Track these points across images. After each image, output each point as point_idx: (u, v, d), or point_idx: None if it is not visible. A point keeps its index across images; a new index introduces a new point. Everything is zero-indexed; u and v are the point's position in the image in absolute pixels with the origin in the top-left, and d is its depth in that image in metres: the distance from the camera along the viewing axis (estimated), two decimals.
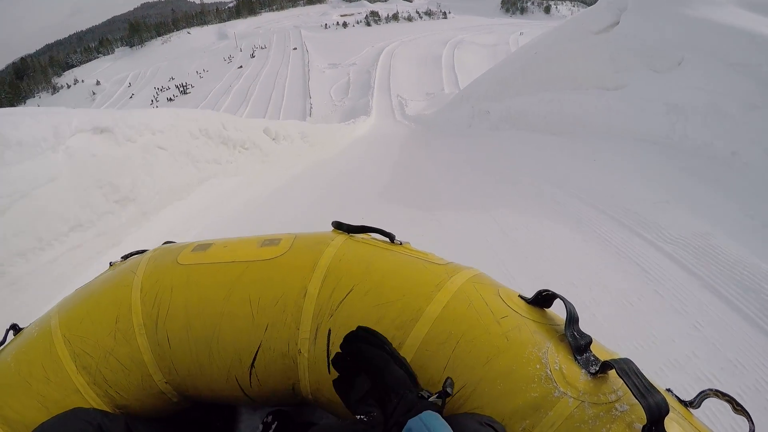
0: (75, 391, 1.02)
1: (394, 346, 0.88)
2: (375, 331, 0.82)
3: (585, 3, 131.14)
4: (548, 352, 0.80)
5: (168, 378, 1.06)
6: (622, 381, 0.73)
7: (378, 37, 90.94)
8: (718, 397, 0.77)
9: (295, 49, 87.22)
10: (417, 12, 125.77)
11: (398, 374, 0.76)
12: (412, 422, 0.66)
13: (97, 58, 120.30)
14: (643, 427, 0.67)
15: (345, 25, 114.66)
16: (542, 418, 0.76)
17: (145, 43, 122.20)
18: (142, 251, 1.24)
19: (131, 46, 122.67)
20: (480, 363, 0.83)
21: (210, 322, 1.02)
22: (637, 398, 0.70)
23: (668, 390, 0.81)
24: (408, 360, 0.87)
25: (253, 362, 1.00)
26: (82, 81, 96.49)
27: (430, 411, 0.68)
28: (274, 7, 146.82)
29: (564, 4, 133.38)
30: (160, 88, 74.09)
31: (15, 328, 1.18)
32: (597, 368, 0.77)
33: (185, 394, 1.10)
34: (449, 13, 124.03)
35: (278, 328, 0.99)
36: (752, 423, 0.73)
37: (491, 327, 0.86)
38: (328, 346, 0.95)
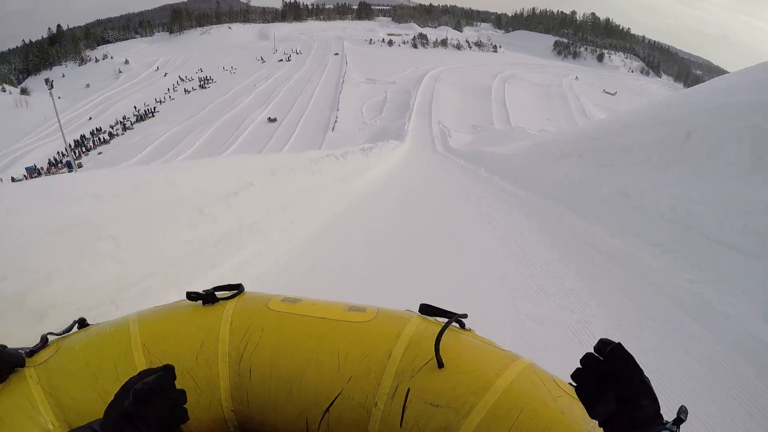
0: None
1: (466, 408, 0.98)
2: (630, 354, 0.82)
3: (637, 56, 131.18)
4: (595, 427, 0.91)
5: (236, 407, 1.13)
6: None
7: (423, 60, 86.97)
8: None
9: (336, 54, 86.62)
10: (467, 41, 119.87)
11: (648, 411, 0.75)
12: None
13: (134, 38, 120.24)
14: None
15: (390, 43, 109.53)
16: None
17: (184, 31, 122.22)
18: (221, 287, 1.26)
19: (171, 33, 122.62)
20: (539, 430, 0.94)
21: (296, 365, 1.10)
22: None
23: None
24: (476, 422, 0.97)
25: (329, 406, 1.08)
26: (111, 57, 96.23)
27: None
28: (321, 17, 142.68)
29: (617, 54, 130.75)
30: (184, 77, 72.93)
31: (82, 323, 1.20)
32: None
33: (245, 426, 1.17)
34: (500, 47, 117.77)
35: (361, 380, 1.07)
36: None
37: (549, 402, 0.97)
38: (404, 403, 1.03)
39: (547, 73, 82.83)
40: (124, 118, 51.31)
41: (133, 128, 48.78)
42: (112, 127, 48.63)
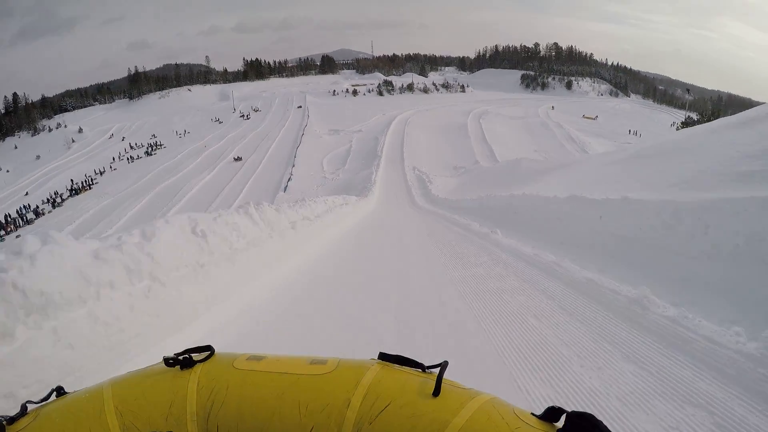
0: None
1: None
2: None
3: (603, 79, 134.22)
4: None
5: None
6: None
7: (390, 105, 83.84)
8: None
9: (300, 107, 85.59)
10: (434, 84, 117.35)
11: None
12: None
13: (92, 105, 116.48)
14: None
15: (355, 93, 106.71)
16: None
17: (143, 96, 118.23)
18: (192, 349, 1.31)
19: (130, 98, 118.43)
20: None
21: (260, 420, 1.15)
22: None
23: None
24: None
25: None
26: (65, 126, 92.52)
27: None
28: (284, 74, 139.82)
29: (584, 80, 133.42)
30: (134, 144, 70.24)
31: (59, 391, 1.25)
32: None
33: None
34: (467, 86, 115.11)
35: (322, 430, 1.12)
36: None
37: None
38: None
39: (520, 106, 79.71)
40: (55, 193, 46.59)
41: (62, 204, 44.12)
42: (39, 204, 43.69)
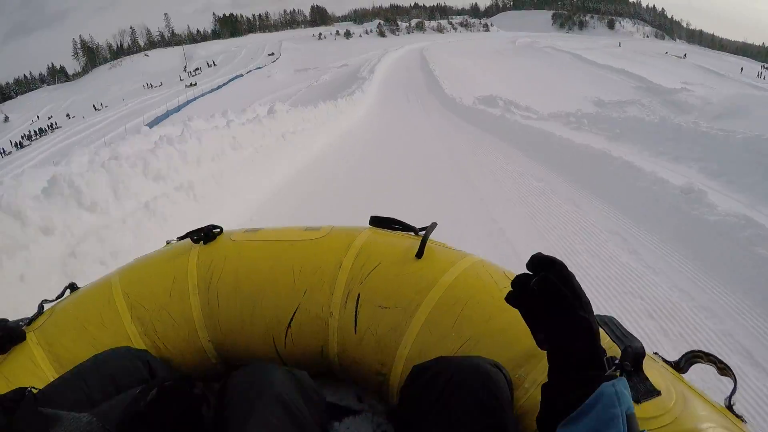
0: (126, 339, 1.15)
1: (413, 307, 1.03)
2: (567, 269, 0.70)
3: (645, 21, 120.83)
4: None
5: (212, 336, 1.21)
6: (608, 337, 0.83)
7: (394, 44, 58.21)
8: (702, 360, 0.82)
9: (272, 54, 71.53)
10: (449, 22, 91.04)
11: (582, 356, 0.65)
12: (607, 387, 0.60)
13: (40, 87, 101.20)
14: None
15: (348, 35, 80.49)
16: (536, 365, 0.88)
17: (94, 69, 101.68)
18: (193, 232, 1.35)
19: (69, 76, 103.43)
20: (483, 320, 0.98)
21: (256, 286, 1.18)
22: (615, 342, 0.81)
23: (655, 353, 0.89)
24: (423, 319, 1.02)
25: (290, 322, 1.15)
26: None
27: (624, 379, 0.63)
28: (267, 30, 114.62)
29: (624, 20, 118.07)
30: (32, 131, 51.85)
31: (72, 287, 1.29)
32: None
33: (224, 355, 1.24)
34: (491, 25, 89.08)
35: (315, 292, 1.14)
36: (736, 382, 0.78)
37: (494, 293, 1.01)
38: (356, 308, 1.10)
39: (576, 40, 55.76)
40: None
41: None
42: None
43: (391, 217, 1.26)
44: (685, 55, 51.55)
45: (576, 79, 24.02)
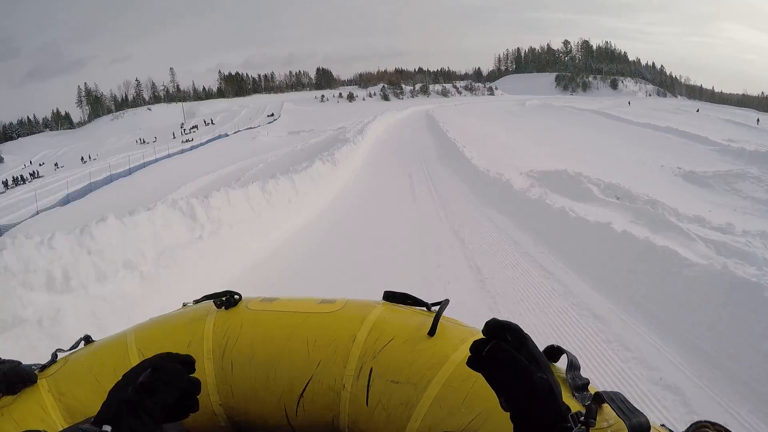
0: None
1: (424, 383, 1.06)
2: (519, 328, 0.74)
3: (645, 79, 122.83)
4: None
5: (223, 401, 1.24)
6: (614, 413, 0.84)
7: (398, 106, 56.74)
8: (709, 430, 0.82)
9: (271, 115, 71.35)
10: (454, 86, 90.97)
11: (543, 415, 0.66)
12: None
13: (42, 132, 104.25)
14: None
15: (352, 97, 79.61)
16: None
17: (96, 119, 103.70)
18: (211, 295, 1.40)
19: (73, 124, 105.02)
20: (493, 395, 0.96)
21: (271, 355, 1.22)
22: (621, 418, 0.82)
23: (662, 425, 0.90)
24: (433, 395, 1.05)
25: (302, 392, 1.18)
26: None
27: None
28: (272, 91, 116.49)
29: (626, 80, 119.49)
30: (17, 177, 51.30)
31: (87, 339, 1.33)
32: (591, 400, 0.87)
33: (234, 419, 1.27)
34: (496, 89, 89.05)
35: (328, 365, 1.18)
36: None
37: None
38: (368, 382, 1.13)
39: (581, 102, 54.60)
40: None
41: None
42: None
43: (404, 292, 1.29)
44: (698, 110, 52.22)
45: (625, 141, 20.50)
